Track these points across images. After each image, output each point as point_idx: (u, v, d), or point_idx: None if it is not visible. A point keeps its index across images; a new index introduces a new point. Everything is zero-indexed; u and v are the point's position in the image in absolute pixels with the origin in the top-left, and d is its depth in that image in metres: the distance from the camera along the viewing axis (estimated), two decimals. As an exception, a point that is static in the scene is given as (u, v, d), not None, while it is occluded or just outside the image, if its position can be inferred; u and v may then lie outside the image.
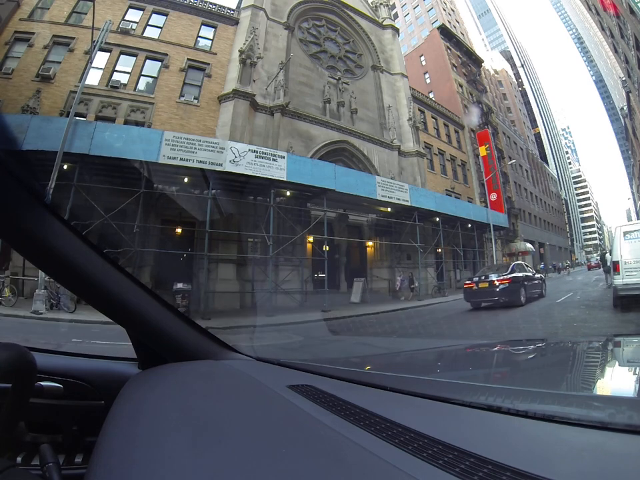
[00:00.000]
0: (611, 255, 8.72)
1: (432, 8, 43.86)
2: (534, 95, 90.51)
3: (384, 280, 17.83)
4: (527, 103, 76.47)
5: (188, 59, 15.60)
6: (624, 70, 31.02)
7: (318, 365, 1.27)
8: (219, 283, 12.50)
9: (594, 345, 1.59)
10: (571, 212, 76.03)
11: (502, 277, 9.95)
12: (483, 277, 10.37)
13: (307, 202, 14.83)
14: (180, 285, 10.43)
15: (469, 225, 20.32)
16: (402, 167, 20.70)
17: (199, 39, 16.55)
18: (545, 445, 0.51)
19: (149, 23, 15.83)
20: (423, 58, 34.76)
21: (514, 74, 74.65)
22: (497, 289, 9.67)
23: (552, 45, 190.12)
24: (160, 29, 15.81)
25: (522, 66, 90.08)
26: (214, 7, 17.27)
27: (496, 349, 1.78)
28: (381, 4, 24.74)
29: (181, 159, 11.16)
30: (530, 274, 11.47)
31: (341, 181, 13.83)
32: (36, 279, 9.05)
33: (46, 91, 12.95)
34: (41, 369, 0.94)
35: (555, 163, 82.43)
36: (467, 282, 10.91)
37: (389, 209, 16.49)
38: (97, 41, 11.05)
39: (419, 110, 24.20)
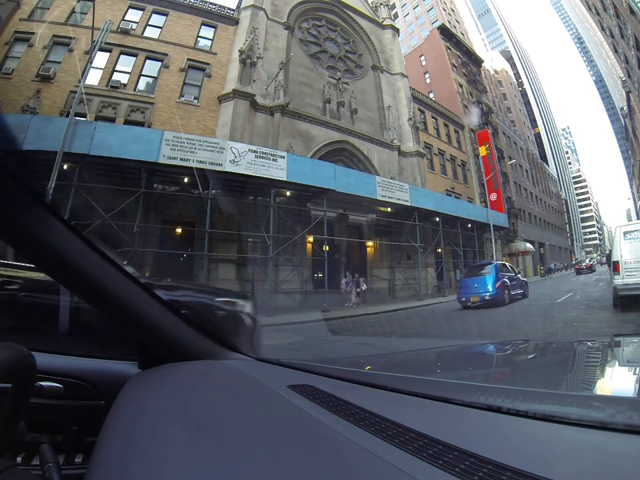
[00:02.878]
0: (611, 254, 8.72)
1: (432, 8, 43.86)
2: (534, 95, 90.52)
3: (384, 280, 17.83)
4: (527, 103, 76.51)
5: (188, 58, 15.60)
6: (624, 70, 31.02)
7: (318, 365, 1.27)
8: (218, 283, 12.50)
9: (594, 345, 1.59)
10: (570, 212, 76.03)
11: (587, 264, 29.82)
12: (581, 264, 30.25)
13: (307, 202, 14.83)
14: (180, 285, 10.41)
15: (469, 225, 20.32)
16: (402, 166, 20.70)
17: (199, 39, 16.55)
18: (545, 444, 0.51)
19: (149, 23, 15.83)
20: (422, 58, 34.76)
21: (514, 74, 74.64)
22: (586, 267, 28.83)
23: (552, 44, 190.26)
24: (160, 29, 15.80)
25: (522, 66, 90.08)
26: (214, 7, 17.27)
27: (496, 348, 1.78)
28: (381, 4, 24.74)
29: (181, 159, 11.16)
30: (594, 263, 32.25)
31: (341, 181, 13.83)
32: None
33: (46, 91, 12.94)
34: (41, 369, 0.94)
35: (555, 163, 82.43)
36: (576, 265, 31.36)
37: (389, 209, 16.48)
38: (97, 41, 11.06)
39: (419, 110, 24.20)
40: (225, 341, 1.23)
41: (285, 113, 16.50)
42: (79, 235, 0.85)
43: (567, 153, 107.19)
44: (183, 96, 15.03)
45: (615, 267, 7.26)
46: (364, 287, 14.55)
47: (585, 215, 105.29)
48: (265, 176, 12.27)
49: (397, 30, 25.23)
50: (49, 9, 14.33)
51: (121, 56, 14.74)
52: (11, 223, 0.74)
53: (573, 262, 44.30)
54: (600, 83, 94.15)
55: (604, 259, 36.89)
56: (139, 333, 1.08)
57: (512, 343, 2.13)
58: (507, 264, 13.12)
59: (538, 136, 75.41)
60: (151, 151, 10.80)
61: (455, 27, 40.81)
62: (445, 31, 34.16)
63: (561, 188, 64.71)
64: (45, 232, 0.78)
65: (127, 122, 13.58)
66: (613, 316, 6.60)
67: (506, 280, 10.83)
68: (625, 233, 7.31)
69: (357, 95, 20.03)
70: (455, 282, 21.01)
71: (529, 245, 30.25)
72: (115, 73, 14.41)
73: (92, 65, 11.63)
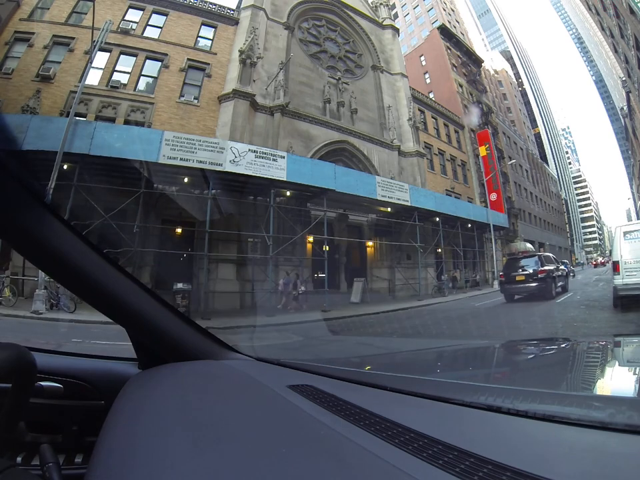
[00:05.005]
0: (611, 254, 8.73)
1: (432, 8, 43.82)
2: (534, 95, 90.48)
3: (384, 280, 17.83)
4: (527, 103, 76.51)
5: (188, 58, 15.59)
6: (624, 70, 31.02)
7: (318, 365, 1.27)
8: (218, 283, 12.49)
9: (594, 345, 1.59)
10: (570, 212, 76.00)
11: (601, 261, 42.43)
12: (597, 261, 45.94)
13: (307, 202, 14.82)
14: (180, 285, 10.42)
15: (469, 225, 20.31)
16: (402, 166, 20.69)
17: (199, 39, 16.54)
18: (545, 444, 0.51)
19: (149, 23, 15.82)
20: (422, 58, 34.73)
21: (514, 74, 74.63)
22: (600, 263, 39.12)
23: (552, 44, 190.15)
24: (160, 29, 15.80)
25: (522, 66, 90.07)
26: (214, 7, 17.26)
27: (496, 348, 1.78)
28: (381, 4, 24.73)
29: (181, 159, 11.16)
30: (605, 260, 38.68)
31: (341, 180, 13.82)
32: (36, 279, 9.05)
33: (46, 91, 12.94)
34: (41, 369, 0.94)
35: (555, 163, 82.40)
36: (593, 262, 45.77)
37: (389, 209, 16.47)
38: (97, 41, 11.05)
39: (419, 110, 24.18)
40: (224, 341, 1.23)
41: (285, 113, 16.49)
42: (79, 235, 0.85)
43: (567, 153, 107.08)
44: (183, 96, 15.03)
45: (614, 266, 7.26)
46: (302, 288, 13.08)
47: (585, 215, 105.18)
48: (265, 176, 12.26)
49: (397, 30, 25.22)
50: (48, 9, 14.32)
51: (121, 56, 14.73)
52: (10, 223, 0.74)
53: (575, 262, 48.55)
54: (600, 83, 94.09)
55: (605, 258, 43.74)
56: (139, 333, 1.08)
57: (512, 343, 2.13)
58: (566, 261, 22.51)
59: (538, 136, 75.40)
60: (151, 151, 10.79)
61: (454, 27, 40.76)
62: (445, 31, 34.13)
63: (561, 188, 64.66)
64: (45, 232, 0.78)
65: (126, 122, 13.57)
66: (613, 316, 6.61)
67: (566, 269, 18.44)
68: (625, 233, 7.32)
69: (357, 95, 20.02)
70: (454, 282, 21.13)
71: (528, 245, 30.03)
72: (114, 72, 14.40)
73: (92, 65, 11.61)
